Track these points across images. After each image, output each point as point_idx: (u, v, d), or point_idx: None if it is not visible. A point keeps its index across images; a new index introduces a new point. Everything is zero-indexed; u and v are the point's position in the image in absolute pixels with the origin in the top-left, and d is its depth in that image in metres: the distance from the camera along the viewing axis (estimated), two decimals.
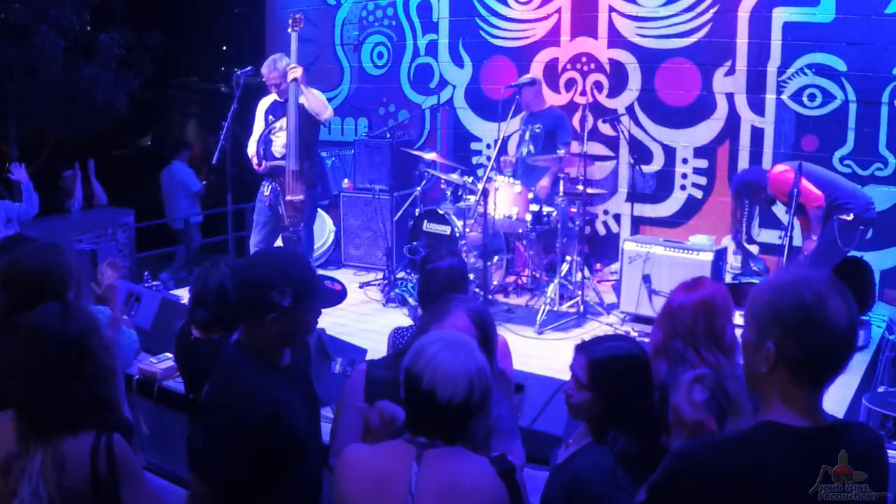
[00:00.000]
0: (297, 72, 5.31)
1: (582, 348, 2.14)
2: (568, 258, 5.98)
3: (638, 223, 6.75)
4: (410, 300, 5.94)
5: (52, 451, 1.89)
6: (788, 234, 4.40)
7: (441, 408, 1.76)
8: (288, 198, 5.49)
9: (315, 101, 5.42)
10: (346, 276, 6.88)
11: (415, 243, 6.30)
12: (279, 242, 5.76)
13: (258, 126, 5.66)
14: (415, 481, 1.76)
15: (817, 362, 1.48)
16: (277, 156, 5.54)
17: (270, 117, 5.58)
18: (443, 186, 6.48)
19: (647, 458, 1.93)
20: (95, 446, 1.90)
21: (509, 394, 2.59)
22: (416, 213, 6.44)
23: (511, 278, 6.35)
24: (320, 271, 6.58)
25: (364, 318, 5.78)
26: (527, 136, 6.38)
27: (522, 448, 2.47)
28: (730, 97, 6.43)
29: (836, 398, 4.41)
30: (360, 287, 6.52)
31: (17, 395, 1.98)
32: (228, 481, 2.04)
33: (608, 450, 2.00)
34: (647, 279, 5.41)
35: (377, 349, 3.88)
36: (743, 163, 6.41)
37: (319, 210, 7.22)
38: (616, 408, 2.01)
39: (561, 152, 5.86)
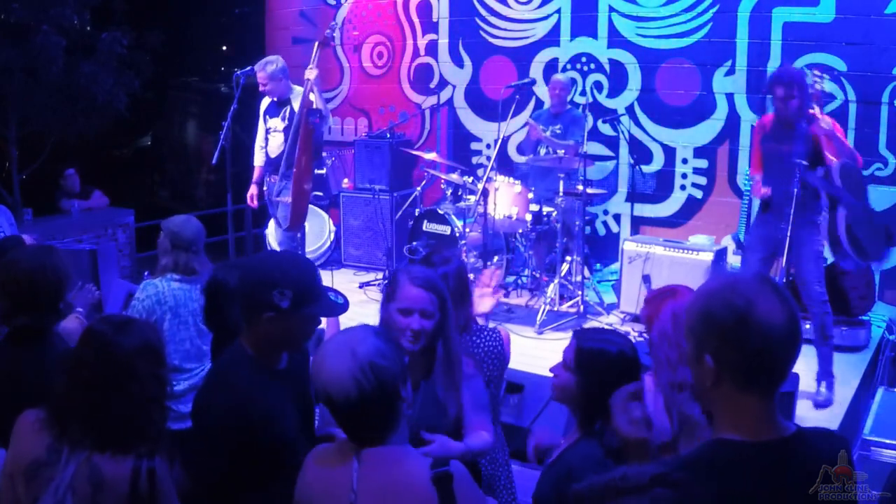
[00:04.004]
0: (308, 73, 5.28)
1: (578, 333, 2.16)
2: (568, 258, 5.98)
3: (638, 223, 6.76)
4: None
5: (88, 465, 1.85)
6: (788, 234, 4.40)
7: (343, 408, 1.76)
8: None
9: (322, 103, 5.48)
10: (346, 276, 6.88)
11: (415, 243, 6.29)
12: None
13: (260, 130, 5.72)
14: (356, 478, 1.77)
15: (760, 367, 1.40)
16: (272, 156, 5.59)
17: (267, 117, 5.63)
18: (443, 186, 6.48)
19: None
20: (137, 469, 1.87)
21: (481, 371, 2.59)
22: (416, 213, 6.44)
23: (511, 278, 6.36)
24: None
25: (364, 319, 5.75)
26: (547, 135, 6.33)
27: (491, 425, 2.48)
28: (730, 97, 6.43)
29: (837, 398, 4.42)
30: (360, 287, 6.52)
31: (56, 395, 1.95)
32: (209, 478, 2.09)
33: (597, 442, 2.00)
34: (647, 279, 5.41)
35: None
36: (743, 163, 6.41)
37: (319, 210, 7.24)
38: (599, 400, 2.01)
39: (570, 142, 5.88)
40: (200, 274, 3.53)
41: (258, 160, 5.75)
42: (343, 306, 2.25)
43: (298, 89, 5.54)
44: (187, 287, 3.53)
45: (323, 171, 6.47)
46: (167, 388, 2.04)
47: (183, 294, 3.51)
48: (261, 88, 5.58)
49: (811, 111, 4.32)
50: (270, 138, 5.64)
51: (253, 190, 5.76)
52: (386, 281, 2.52)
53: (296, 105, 5.48)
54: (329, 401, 1.77)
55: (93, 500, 1.85)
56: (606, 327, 5.26)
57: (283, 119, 5.56)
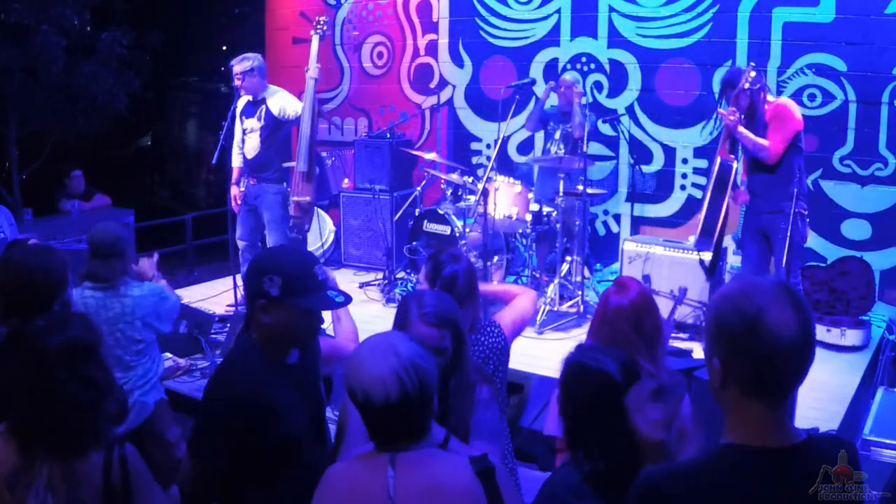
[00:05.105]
0: (314, 72, 5.49)
1: (576, 348, 2.08)
2: (568, 258, 5.98)
3: (638, 223, 6.76)
4: None
5: (60, 465, 1.84)
6: (788, 233, 4.40)
7: (383, 411, 1.75)
8: (295, 199, 5.60)
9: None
10: (346, 276, 6.88)
11: (415, 243, 6.30)
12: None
13: (237, 131, 5.75)
14: (392, 485, 1.75)
15: (765, 377, 1.40)
16: (249, 157, 5.64)
17: (243, 118, 5.68)
18: (443, 186, 6.48)
19: (618, 478, 1.80)
20: (108, 458, 1.86)
21: (499, 396, 2.52)
22: (416, 213, 6.44)
23: (511, 278, 6.35)
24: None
25: (364, 319, 5.77)
26: (557, 135, 6.24)
27: (499, 453, 2.40)
28: None
29: (838, 398, 4.42)
30: (360, 287, 6.53)
31: (7, 407, 1.90)
32: (210, 464, 2.09)
33: (577, 468, 1.92)
34: (647, 279, 5.41)
35: None
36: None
37: (319, 210, 7.26)
38: (578, 419, 1.93)
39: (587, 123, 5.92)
40: (111, 282, 3.39)
41: (236, 161, 5.78)
42: (340, 303, 2.24)
43: (274, 88, 5.65)
44: (101, 295, 3.38)
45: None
46: (101, 390, 1.91)
47: (95, 302, 3.35)
48: (234, 83, 5.61)
49: (764, 96, 4.64)
50: (247, 139, 5.66)
51: (234, 191, 5.81)
52: (397, 308, 2.44)
53: (271, 104, 5.56)
54: (367, 401, 1.75)
55: (70, 497, 1.83)
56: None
57: (259, 119, 5.60)
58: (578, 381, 1.95)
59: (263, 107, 5.57)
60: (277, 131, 5.60)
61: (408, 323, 2.30)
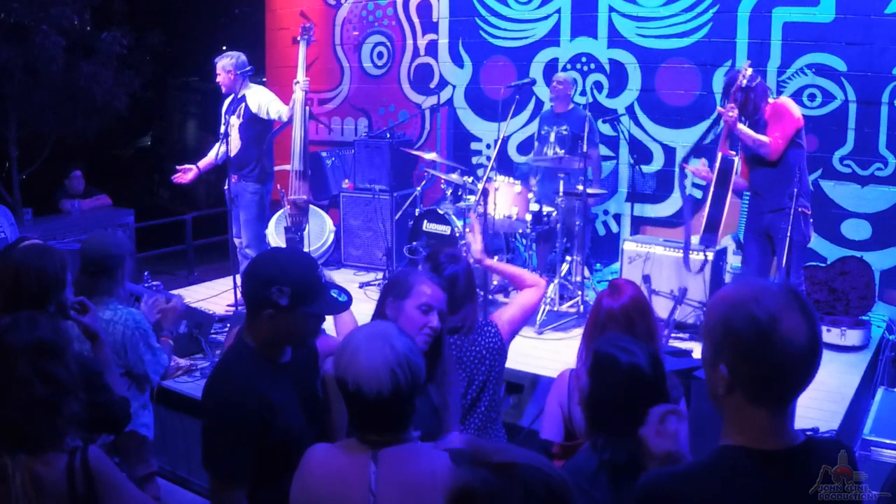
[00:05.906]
0: (304, 84, 5.67)
1: (604, 337, 2.12)
2: (568, 258, 5.98)
3: (638, 223, 6.76)
4: None
5: (28, 472, 1.82)
6: (789, 233, 4.40)
7: (373, 404, 1.75)
8: (291, 197, 5.67)
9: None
10: (346, 276, 6.88)
11: (415, 243, 6.30)
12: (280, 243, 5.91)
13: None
14: (374, 480, 1.76)
15: (774, 383, 1.38)
16: (231, 154, 5.69)
17: (227, 117, 5.74)
18: (443, 186, 6.48)
19: (636, 469, 1.81)
20: (70, 464, 1.84)
21: (497, 399, 2.61)
22: (416, 213, 6.44)
23: None
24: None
25: (364, 319, 5.75)
26: (552, 138, 6.22)
27: (459, 425, 2.51)
28: None
29: (837, 398, 4.42)
30: (360, 287, 6.52)
31: None
32: (228, 470, 2.08)
33: (596, 455, 1.95)
34: (647, 279, 5.41)
35: None
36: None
37: (319, 210, 7.27)
38: (605, 410, 1.95)
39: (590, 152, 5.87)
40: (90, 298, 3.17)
41: (213, 152, 5.83)
42: (345, 304, 2.24)
43: (254, 86, 5.75)
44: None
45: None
46: (63, 390, 1.89)
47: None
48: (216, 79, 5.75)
49: (765, 100, 4.68)
50: (230, 138, 5.69)
51: (190, 167, 5.78)
52: (390, 279, 2.46)
53: (250, 101, 5.63)
54: (358, 393, 1.75)
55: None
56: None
57: (239, 116, 5.67)
58: (609, 371, 1.97)
59: (243, 104, 5.66)
60: (255, 127, 5.66)
61: (414, 285, 2.36)
